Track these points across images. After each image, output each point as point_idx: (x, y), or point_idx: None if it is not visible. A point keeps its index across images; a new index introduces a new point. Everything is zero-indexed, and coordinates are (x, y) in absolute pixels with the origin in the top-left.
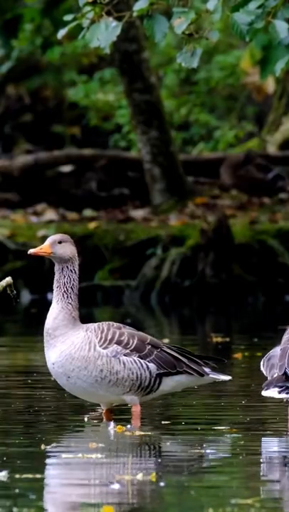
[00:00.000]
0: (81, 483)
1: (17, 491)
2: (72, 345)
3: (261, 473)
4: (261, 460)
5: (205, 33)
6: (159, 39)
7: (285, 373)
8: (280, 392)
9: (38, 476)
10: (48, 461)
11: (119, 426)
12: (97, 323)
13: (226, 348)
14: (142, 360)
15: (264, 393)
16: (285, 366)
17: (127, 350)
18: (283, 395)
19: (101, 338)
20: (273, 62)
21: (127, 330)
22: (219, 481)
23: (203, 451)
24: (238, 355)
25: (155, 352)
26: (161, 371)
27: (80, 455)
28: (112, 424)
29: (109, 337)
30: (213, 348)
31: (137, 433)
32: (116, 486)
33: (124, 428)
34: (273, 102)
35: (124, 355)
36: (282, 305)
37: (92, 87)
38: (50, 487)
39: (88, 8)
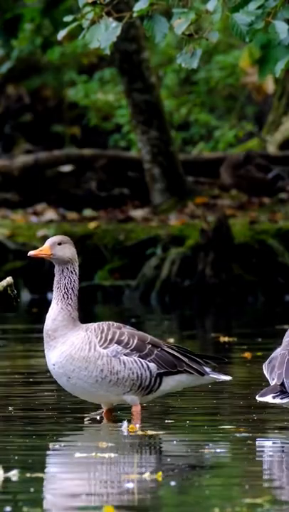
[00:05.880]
0: (89, 483)
1: (32, 489)
2: (72, 346)
3: (270, 473)
4: (270, 459)
5: (205, 34)
6: (159, 40)
7: (282, 383)
8: (274, 398)
9: (48, 475)
10: (57, 460)
11: (131, 426)
12: (96, 323)
13: (233, 347)
14: (142, 360)
15: (258, 398)
16: (283, 376)
17: (128, 350)
18: (277, 400)
19: (101, 338)
20: (272, 61)
21: (127, 330)
22: (228, 480)
23: (212, 450)
24: (247, 355)
25: (155, 351)
26: (162, 371)
27: (93, 454)
28: (125, 423)
29: (109, 337)
30: (221, 347)
31: (149, 432)
32: (130, 485)
33: (136, 428)
34: (273, 102)
35: (125, 354)
36: (282, 305)
37: (92, 87)
38: (59, 486)
39: (88, 8)
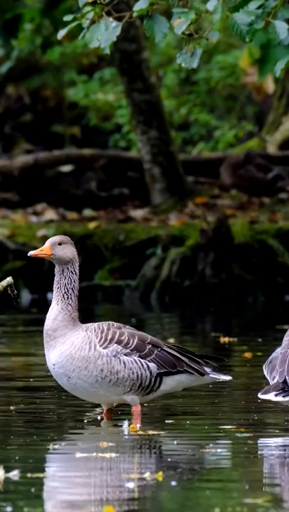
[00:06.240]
0: (89, 483)
1: (32, 490)
2: (72, 346)
3: (271, 473)
4: (271, 460)
5: (205, 34)
6: (159, 39)
7: (284, 381)
8: (276, 395)
9: (49, 475)
10: (58, 460)
11: (132, 425)
12: (97, 323)
13: (233, 347)
14: (142, 360)
15: (260, 396)
16: (284, 373)
17: (128, 350)
18: (280, 398)
19: (101, 338)
20: (272, 61)
21: (127, 329)
22: (229, 480)
23: (213, 450)
24: (247, 355)
25: (155, 351)
26: (162, 371)
27: (93, 454)
28: (126, 423)
29: (109, 337)
30: (221, 347)
31: (150, 432)
32: (130, 485)
33: (137, 428)
34: (273, 102)
35: (125, 354)
36: (282, 305)
37: (92, 86)
38: (60, 486)
39: (88, 8)
